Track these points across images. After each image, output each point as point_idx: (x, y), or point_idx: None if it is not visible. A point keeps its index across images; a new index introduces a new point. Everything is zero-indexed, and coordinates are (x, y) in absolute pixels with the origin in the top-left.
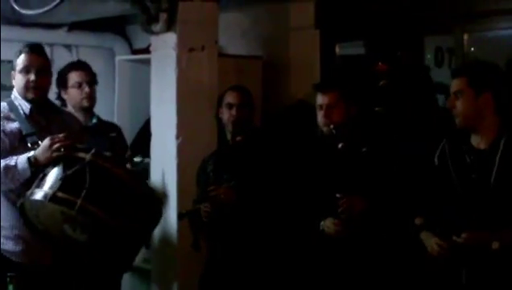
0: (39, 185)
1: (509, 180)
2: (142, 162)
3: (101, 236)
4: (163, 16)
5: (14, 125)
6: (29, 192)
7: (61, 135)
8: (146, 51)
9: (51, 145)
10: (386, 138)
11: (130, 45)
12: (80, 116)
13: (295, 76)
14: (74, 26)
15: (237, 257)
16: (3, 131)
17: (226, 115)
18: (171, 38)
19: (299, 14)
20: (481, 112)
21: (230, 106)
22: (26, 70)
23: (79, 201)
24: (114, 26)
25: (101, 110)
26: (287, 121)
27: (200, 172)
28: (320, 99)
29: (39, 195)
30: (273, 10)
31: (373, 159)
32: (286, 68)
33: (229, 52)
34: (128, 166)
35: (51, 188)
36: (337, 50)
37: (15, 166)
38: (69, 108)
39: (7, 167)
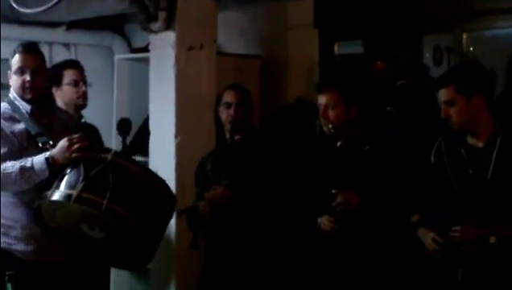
0: (59, 186)
1: (507, 176)
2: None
3: (122, 235)
4: (162, 15)
5: (21, 125)
6: (49, 193)
7: (78, 136)
8: (145, 49)
9: (69, 146)
10: (392, 137)
11: (129, 44)
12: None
13: (294, 74)
14: (73, 25)
15: (234, 256)
16: (12, 132)
17: (224, 114)
18: (169, 36)
19: (298, 12)
20: (475, 114)
21: (228, 105)
22: (21, 71)
23: (105, 202)
24: (113, 24)
25: (100, 109)
26: (286, 120)
27: (198, 171)
28: (320, 99)
29: (61, 196)
30: (271, 8)
31: (376, 158)
32: (284, 67)
33: (227, 51)
34: None
35: (73, 188)
36: (336, 49)
37: (32, 167)
38: (59, 105)
39: (23, 168)
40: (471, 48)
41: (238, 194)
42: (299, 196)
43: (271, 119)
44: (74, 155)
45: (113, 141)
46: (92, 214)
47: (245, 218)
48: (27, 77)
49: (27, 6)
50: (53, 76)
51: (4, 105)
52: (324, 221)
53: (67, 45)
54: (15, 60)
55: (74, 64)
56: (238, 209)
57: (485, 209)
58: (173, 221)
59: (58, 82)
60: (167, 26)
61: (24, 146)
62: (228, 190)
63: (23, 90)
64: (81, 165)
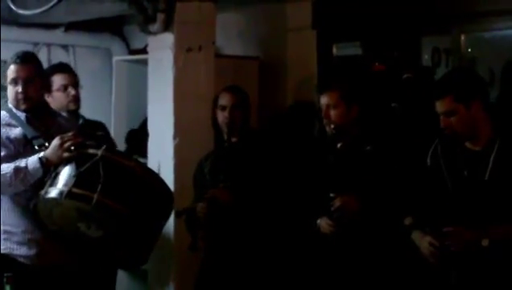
0: (53, 184)
1: (504, 179)
2: None
3: (116, 231)
4: (161, 16)
5: (17, 131)
6: (43, 192)
7: (70, 134)
8: (144, 51)
9: (61, 144)
10: (397, 135)
11: (128, 45)
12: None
13: (292, 76)
14: (71, 27)
15: (233, 257)
16: (7, 138)
17: (220, 117)
18: (168, 38)
19: (296, 14)
20: (475, 121)
21: (223, 108)
22: (14, 82)
23: (95, 196)
24: (111, 26)
25: (98, 111)
26: (285, 122)
27: (197, 173)
28: (322, 99)
29: (53, 193)
30: (270, 10)
31: (377, 158)
32: (283, 69)
33: (226, 53)
34: None
35: (65, 185)
36: (334, 50)
37: (26, 167)
38: None
39: (17, 168)
40: (469, 50)
41: (237, 196)
42: (298, 197)
43: (270, 122)
44: (66, 153)
45: None
46: (85, 210)
47: (243, 220)
48: (19, 89)
49: (26, 8)
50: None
51: (3, 113)
52: (322, 224)
53: (65, 47)
54: (10, 71)
55: (62, 69)
56: (237, 211)
57: (481, 211)
58: (172, 223)
59: (48, 88)
60: (166, 27)
61: (20, 151)
62: (226, 192)
63: (17, 101)
64: (73, 162)
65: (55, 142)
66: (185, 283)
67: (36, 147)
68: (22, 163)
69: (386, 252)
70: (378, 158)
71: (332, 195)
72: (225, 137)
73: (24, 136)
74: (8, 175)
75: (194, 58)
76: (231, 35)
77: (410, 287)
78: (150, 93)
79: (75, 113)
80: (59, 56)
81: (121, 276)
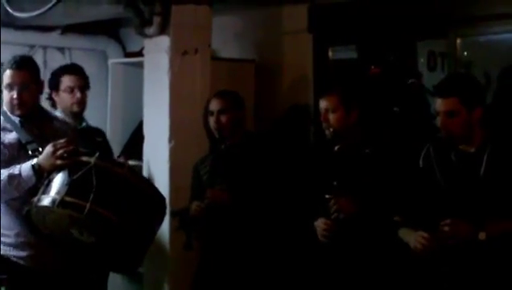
0: (46, 191)
1: (498, 178)
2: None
3: (109, 238)
4: (157, 19)
5: (12, 135)
6: (36, 199)
7: (63, 141)
8: (140, 54)
9: (54, 152)
10: (397, 139)
11: (124, 48)
12: (69, 120)
13: (288, 79)
14: (68, 29)
15: (229, 258)
16: (2, 143)
17: (210, 122)
18: (164, 41)
19: (292, 18)
20: (472, 126)
21: (212, 113)
22: (9, 87)
23: (88, 205)
24: (108, 29)
25: (94, 113)
26: (282, 126)
27: (193, 176)
28: (321, 103)
29: (46, 201)
30: (266, 14)
31: (375, 161)
32: (279, 72)
33: (222, 56)
34: None
35: (58, 193)
36: (330, 54)
37: (19, 174)
38: (59, 110)
39: (11, 175)
40: (465, 53)
41: (233, 197)
42: (295, 199)
43: (267, 125)
44: (59, 161)
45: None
46: (78, 218)
47: (240, 221)
48: (14, 94)
49: (22, 11)
50: (52, 81)
51: None
52: (318, 224)
53: (61, 49)
54: (5, 76)
55: (72, 70)
56: (233, 212)
57: (476, 208)
58: (167, 224)
59: (56, 88)
60: (162, 30)
61: (15, 155)
62: (224, 193)
63: (11, 107)
64: (66, 170)
65: (48, 149)
66: (180, 285)
67: (30, 152)
68: (15, 170)
69: (382, 253)
70: (377, 161)
71: (327, 196)
72: (218, 141)
73: (19, 141)
74: (2, 181)
75: (190, 61)
76: (227, 38)
77: (405, 287)
78: (146, 95)
79: (79, 115)
80: (55, 59)
81: (116, 279)
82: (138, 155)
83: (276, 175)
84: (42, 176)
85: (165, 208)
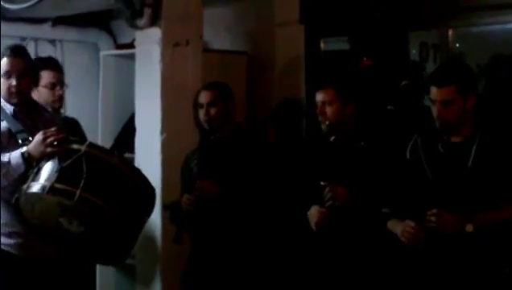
0: (35, 179)
1: (487, 167)
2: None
3: (98, 227)
4: (148, 11)
5: (3, 124)
6: (25, 186)
7: (53, 129)
8: (131, 46)
9: (44, 139)
10: (390, 135)
11: (115, 40)
12: None
13: (280, 71)
14: (58, 21)
15: (219, 250)
16: None
17: (200, 115)
18: (155, 33)
19: (284, 9)
20: (465, 114)
21: (201, 106)
22: (7, 75)
23: (78, 191)
24: (99, 21)
25: (85, 105)
26: (274, 118)
27: (183, 167)
28: (317, 96)
29: (35, 187)
30: (258, 5)
31: (370, 154)
32: (271, 64)
33: (213, 47)
34: None
35: (47, 180)
36: (322, 45)
37: (9, 162)
38: None
39: (0, 163)
40: (457, 45)
41: (223, 189)
42: (288, 189)
43: (259, 122)
44: (49, 148)
45: (99, 138)
46: (67, 205)
47: (229, 213)
48: (13, 82)
49: (13, 2)
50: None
51: None
52: (312, 212)
53: (53, 41)
54: (2, 64)
55: (52, 65)
56: (223, 204)
57: (464, 198)
58: (159, 216)
59: (35, 82)
60: (153, 22)
61: (5, 144)
62: (213, 184)
63: (9, 94)
64: (56, 157)
65: (38, 137)
66: (172, 277)
67: (20, 141)
68: (4, 157)
69: (372, 244)
70: (371, 154)
71: (322, 183)
72: (208, 133)
73: (9, 130)
74: None
75: (181, 53)
76: (219, 30)
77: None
78: (138, 87)
79: (58, 111)
80: (46, 51)
81: (108, 271)
82: (130, 148)
83: (266, 167)
84: (31, 163)
85: (154, 198)
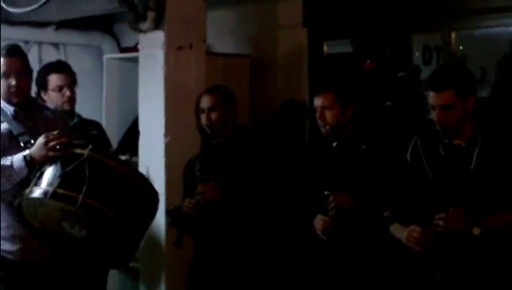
0: (37, 183)
1: (489, 170)
2: (128, 160)
3: (100, 231)
4: (151, 14)
5: (3, 126)
6: (27, 191)
7: (56, 133)
8: (134, 49)
9: (46, 143)
10: (391, 134)
11: (118, 43)
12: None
13: (283, 74)
14: (62, 25)
15: (222, 253)
16: None
17: (202, 120)
18: (158, 36)
19: (287, 12)
20: (466, 117)
21: (202, 111)
22: (6, 75)
23: (80, 197)
24: (102, 24)
25: (89, 109)
26: (277, 122)
27: (186, 171)
28: (316, 101)
29: (38, 192)
30: (261, 8)
31: (372, 157)
32: (274, 66)
33: (217, 51)
34: None
35: (50, 185)
36: (325, 48)
37: (11, 165)
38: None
39: (3, 167)
40: (460, 47)
41: (226, 193)
42: (292, 196)
43: (262, 123)
44: (51, 152)
45: None
46: (70, 211)
47: (230, 217)
48: (13, 81)
49: (16, 6)
50: (39, 80)
51: None
52: (317, 221)
53: (56, 45)
54: (0, 64)
55: (59, 68)
56: (224, 208)
57: (466, 201)
58: (163, 220)
59: (44, 88)
60: (156, 25)
61: (6, 145)
62: (215, 189)
63: (9, 95)
64: (59, 162)
65: (41, 140)
66: (176, 281)
67: (22, 144)
68: (7, 161)
69: (376, 249)
70: (373, 156)
71: (326, 193)
72: (210, 137)
73: (10, 132)
74: None
75: (185, 56)
76: (222, 33)
77: (399, 283)
78: (141, 91)
79: (70, 112)
80: (50, 55)
81: (113, 275)
82: (134, 151)
83: (268, 171)
84: (34, 167)
85: (158, 202)
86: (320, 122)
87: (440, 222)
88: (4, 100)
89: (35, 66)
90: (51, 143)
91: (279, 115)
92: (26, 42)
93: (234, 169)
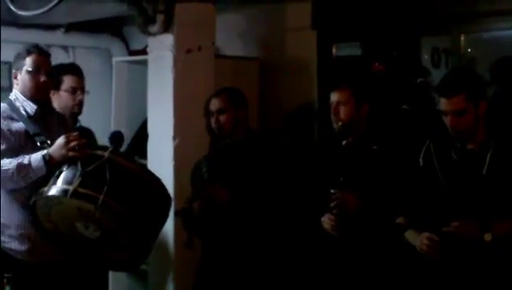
0: (56, 182)
1: (502, 175)
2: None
3: (115, 233)
4: (160, 17)
5: (19, 124)
6: (45, 189)
7: (75, 134)
8: (143, 52)
9: (66, 143)
10: (405, 137)
11: (127, 46)
12: None
13: (292, 76)
14: (71, 28)
15: (230, 255)
16: (9, 130)
17: (211, 123)
18: (168, 39)
19: (296, 14)
20: (478, 121)
21: (211, 113)
22: (36, 71)
23: (101, 197)
24: (111, 27)
25: (98, 111)
26: (288, 124)
27: (194, 173)
28: (332, 96)
29: (57, 190)
30: (270, 11)
31: (382, 158)
32: (283, 69)
33: (225, 53)
34: None
35: (69, 184)
36: (334, 51)
37: (29, 164)
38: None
39: (20, 165)
40: (469, 50)
41: (233, 194)
42: (301, 195)
43: (272, 126)
44: (71, 153)
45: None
46: (88, 210)
47: (238, 218)
48: (43, 78)
49: (26, 9)
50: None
51: (3, 105)
52: (324, 220)
53: (65, 48)
54: (30, 60)
55: (74, 70)
56: (233, 209)
57: (479, 206)
58: (171, 222)
59: (56, 86)
60: (166, 28)
61: (22, 144)
62: (223, 190)
63: (37, 90)
64: (78, 162)
65: (61, 140)
66: (185, 283)
67: (38, 144)
68: (25, 159)
69: (383, 251)
70: (384, 158)
71: (332, 191)
72: (219, 139)
73: (26, 131)
74: (10, 171)
75: (194, 59)
76: (231, 36)
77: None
78: (150, 93)
79: (76, 116)
80: (59, 57)
81: (121, 276)
82: (143, 153)
83: (277, 173)
84: (52, 166)
85: (170, 207)
86: (333, 118)
87: (451, 229)
88: (29, 96)
89: None
90: (72, 144)
91: (289, 118)
92: (36, 45)
93: (242, 170)
